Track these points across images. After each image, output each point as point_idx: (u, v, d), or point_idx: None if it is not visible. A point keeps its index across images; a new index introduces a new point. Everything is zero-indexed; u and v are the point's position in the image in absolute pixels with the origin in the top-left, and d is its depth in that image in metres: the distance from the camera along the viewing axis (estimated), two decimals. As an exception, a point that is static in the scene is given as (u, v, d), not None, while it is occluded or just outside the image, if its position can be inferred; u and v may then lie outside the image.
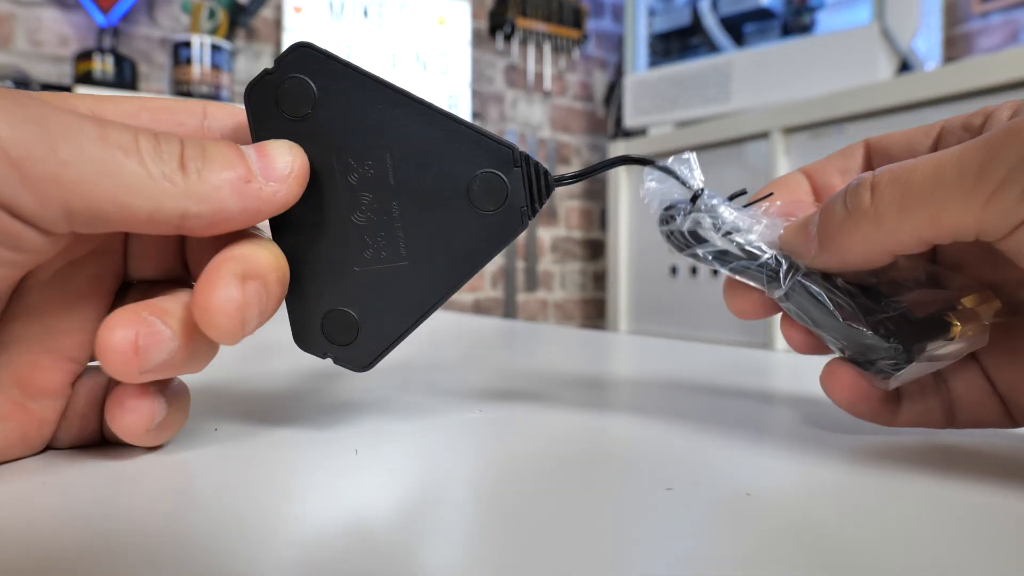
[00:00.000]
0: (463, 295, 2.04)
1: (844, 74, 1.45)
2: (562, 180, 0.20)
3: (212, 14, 1.55)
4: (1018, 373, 0.20)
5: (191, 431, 0.21)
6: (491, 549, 0.13)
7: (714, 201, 0.21)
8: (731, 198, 0.21)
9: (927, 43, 1.64)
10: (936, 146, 0.21)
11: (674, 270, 1.72)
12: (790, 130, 1.42)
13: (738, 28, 1.80)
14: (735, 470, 0.18)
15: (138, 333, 0.15)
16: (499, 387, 0.30)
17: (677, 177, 0.21)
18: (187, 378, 0.21)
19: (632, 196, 1.83)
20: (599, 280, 2.32)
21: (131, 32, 1.58)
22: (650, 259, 1.79)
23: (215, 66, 1.50)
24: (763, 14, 1.74)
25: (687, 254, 0.21)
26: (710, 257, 0.21)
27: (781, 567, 0.12)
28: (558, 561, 0.12)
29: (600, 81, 2.32)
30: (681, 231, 0.21)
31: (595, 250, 2.31)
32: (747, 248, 0.20)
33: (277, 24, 1.75)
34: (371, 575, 0.12)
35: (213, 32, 1.55)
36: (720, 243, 0.20)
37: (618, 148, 1.84)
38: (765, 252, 0.20)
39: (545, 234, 2.20)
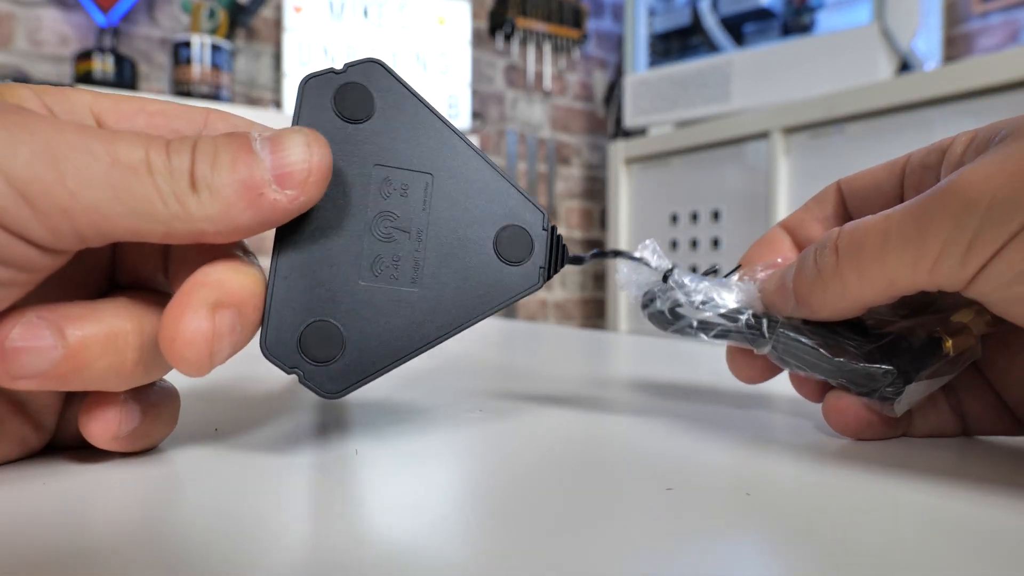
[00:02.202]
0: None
1: (844, 74, 1.45)
2: (576, 260, 0.21)
3: (212, 14, 1.55)
4: (1022, 386, 0.20)
5: (191, 431, 0.21)
6: (491, 549, 0.13)
7: (685, 279, 0.22)
8: (705, 274, 0.23)
9: (927, 43, 1.64)
10: (902, 186, 0.21)
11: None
12: (790, 130, 1.42)
13: (738, 28, 1.80)
14: (735, 470, 0.18)
15: (214, 323, 0.15)
16: (499, 387, 0.30)
17: (646, 264, 0.22)
18: (188, 378, 0.21)
19: (632, 196, 1.83)
20: (599, 280, 2.32)
21: (131, 32, 1.58)
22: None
23: (215, 66, 1.50)
24: (763, 14, 1.73)
25: (672, 331, 0.22)
26: (693, 329, 0.22)
27: (781, 567, 0.12)
28: (558, 561, 0.12)
29: (600, 81, 2.32)
30: (661, 311, 0.22)
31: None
32: (724, 313, 0.21)
33: (277, 24, 1.75)
34: None
35: (213, 32, 1.55)
36: (697, 315, 0.21)
37: (618, 148, 1.84)
38: (743, 313, 0.21)
39: (545, 234, 2.20)
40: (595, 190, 2.30)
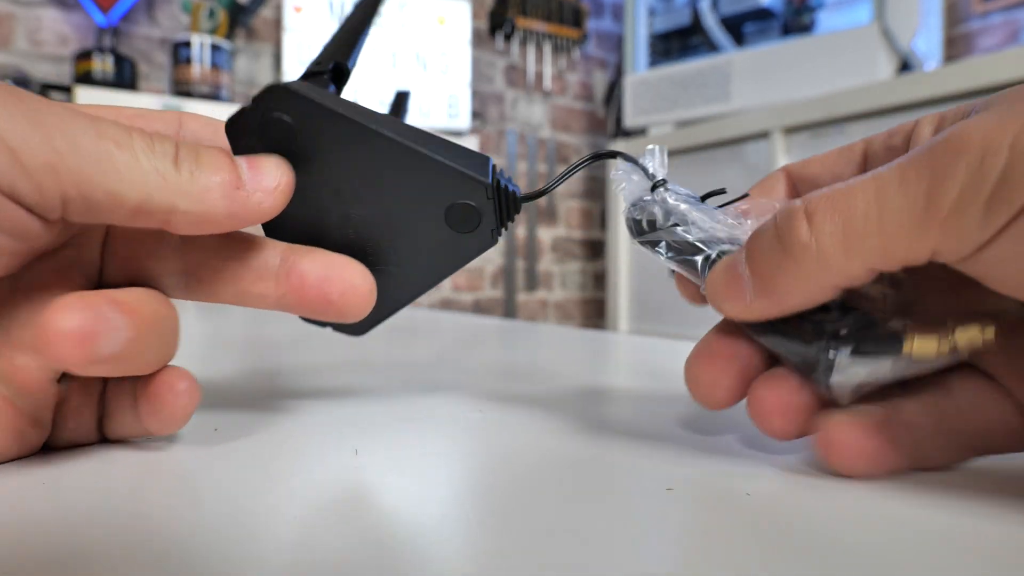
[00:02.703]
0: (463, 295, 2.04)
1: (844, 74, 1.45)
2: (528, 197, 0.21)
3: (212, 14, 1.55)
4: None
5: (191, 431, 0.21)
6: (491, 549, 0.13)
7: (670, 197, 0.20)
8: (706, 196, 0.21)
9: (927, 43, 1.64)
10: (861, 171, 0.19)
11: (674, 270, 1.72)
12: (790, 130, 1.42)
13: (738, 28, 1.80)
14: (735, 470, 0.18)
15: (89, 318, 0.15)
16: (499, 387, 0.30)
17: (643, 168, 0.21)
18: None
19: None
20: (599, 280, 2.32)
21: (131, 32, 1.58)
22: (650, 259, 1.78)
23: (215, 66, 1.50)
24: (763, 14, 1.74)
25: (639, 241, 0.21)
26: (657, 249, 0.20)
27: (781, 567, 0.12)
28: (558, 561, 0.12)
29: (600, 81, 2.32)
30: (637, 219, 0.21)
31: (595, 250, 2.31)
32: (690, 243, 0.20)
33: (277, 24, 1.75)
34: None
35: (213, 32, 1.55)
36: (664, 234, 0.20)
37: (618, 148, 1.84)
38: (711, 248, 0.19)
39: (545, 234, 2.20)
40: (595, 190, 2.30)
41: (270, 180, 0.18)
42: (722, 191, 0.21)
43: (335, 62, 0.21)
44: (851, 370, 0.17)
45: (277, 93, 0.18)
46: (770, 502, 0.16)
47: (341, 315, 0.19)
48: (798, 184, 0.21)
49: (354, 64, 0.21)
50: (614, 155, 0.21)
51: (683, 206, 0.20)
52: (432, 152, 0.19)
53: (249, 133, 0.18)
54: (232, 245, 0.19)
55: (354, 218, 0.20)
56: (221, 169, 0.17)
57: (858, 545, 0.13)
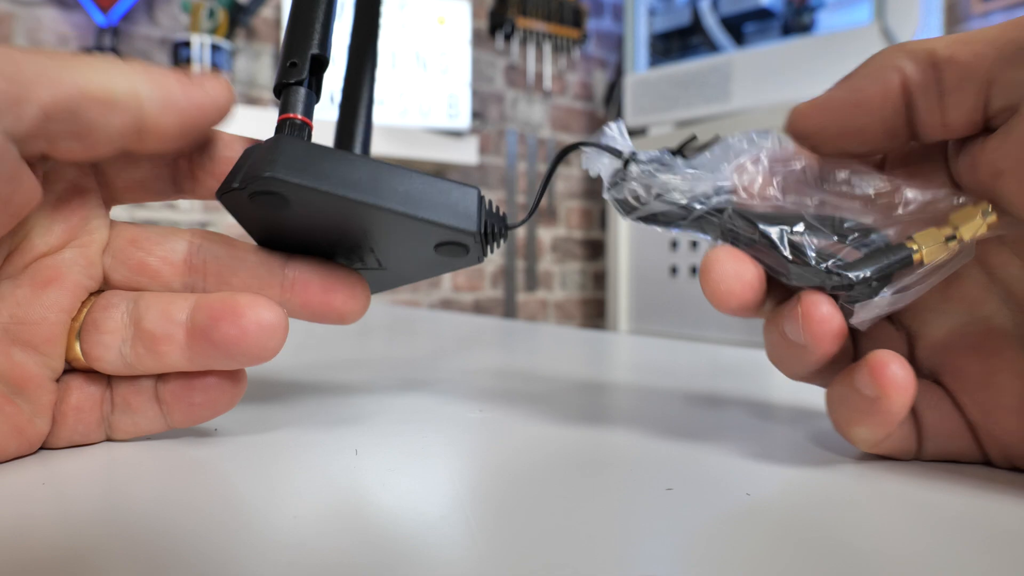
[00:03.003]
0: (463, 295, 2.04)
1: (844, 74, 1.44)
2: (516, 225, 0.22)
3: (212, 14, 1.55)
4: (993, 402, 0.18)
5: (191, 431, 0.21)
6: (491, 549, 0.13)
7: (635, 170, 0.20)
8: (679, 149, 0.21)
9: (927, 43, 1.64)
10: (906, 100, 0.19)
11: (674, 270, 1.72)
12: (790, 130, 1.42)
13: (738, 28, 1.80)
14: (735, 470, 0.18)
15: (280, 314, 0.18)
16: (499, 387, 0.30)
17: (608, 149, 0.21)
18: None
19: (632, 196, 1.83)
20: (599, 280, 2.32)
21: (131, 32, 1.58)
22: (650, 259, 1.79)
23: (215, 66, 1.50)
24: (763, 14, 1.73)
25: (633, 218, 0.21)
26: (650, 219, 0.20)
27: (781, 567, 0.12)
28: (558, 561, 0.12)
29: (600, 81, 2.32)
30: (623, 198, 0.20)
31: (595, 250, 2.31)
32: (681, 206, 0.19)
33: (277, 24, 1.75)
34: None
35: (213, 32, 1.55)
36: (655, 206, 0.20)
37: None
38: (700, 203, 0.19)
39: (545, 234, 2.20)
40: (595, 190, 2.30)
41: (216, 80, 0.19)
42: (693, 138, 0.21)
43: (312, 55, 0.21)
44: (874, 308, 0.18)
45: (262, 182, 0.18)
46: (770, 502, 0.16)
47: (341, 320, 0.21)
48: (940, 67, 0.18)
49: (329, 50, 0.21)
50: (577, 146, 0.21)
51: (659, 175, 0.20)
52: (421, 212, 0.19)
53: (241, 199, 0.19)
54: (236, 253, 0.20)
55: (347, 243, 0.21)
56: (170, 69, 0.18)
57: (858, 545, 0.13)
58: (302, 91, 0.20)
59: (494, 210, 0.21)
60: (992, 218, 0.17)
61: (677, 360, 0.41)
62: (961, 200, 0.18)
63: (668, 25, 1.92)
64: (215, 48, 1.50)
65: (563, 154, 0.22)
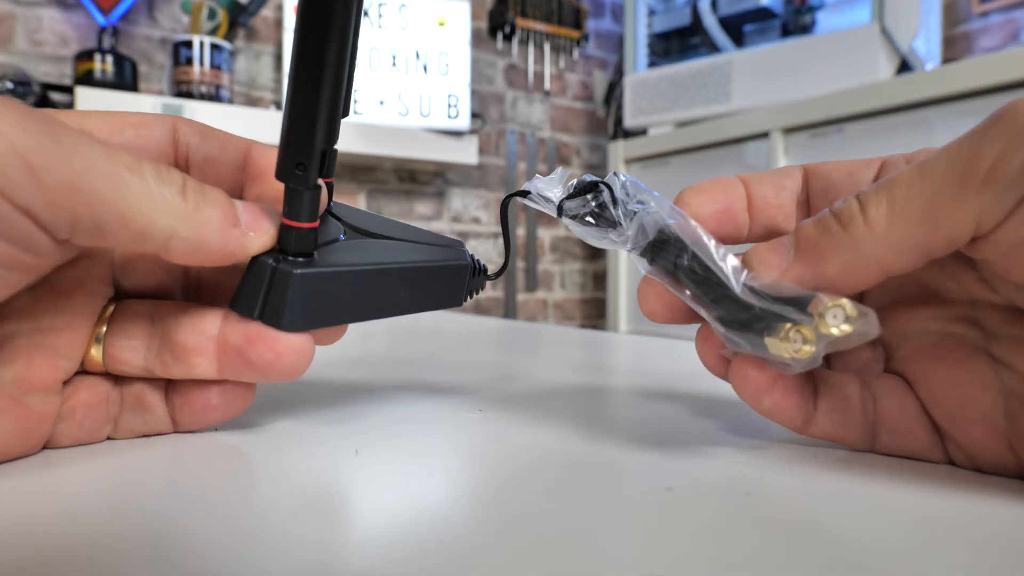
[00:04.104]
0: (463, 295, 2.04)
1: (844, 74, 1.45)
2: (494, 275, 0.25)
3: (212, 14, 1.55)
4: (959, 412, 0.18)
5: (191, 432, 0.21)
6: (491, 549, 0.13)
7: (570, 221, 0.21)
8: (574, 194, 0.21)
9: (927, 43, 1.64)
10: (877, 177, 0.20)
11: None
12: (790, 130, 1.42)
13: (738, 28, 1.80)
14: (735, 470, 0.18)
15: (308, 337, 0.20)
16: (499, 387, 0.30)
17: (543, 199, 0.22)
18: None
19: (632, 196, 1.83)
20: (599, 280, 2.32)
21: (131, 32, 1.58)
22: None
23: (215, 66, 1.50)
24: (763, 14, 1.73)
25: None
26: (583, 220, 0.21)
27: (781, 567, 0.12)
28: (558, 561, 0.12)
29: (600, 81, 2.32)
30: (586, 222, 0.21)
31: (595, 250, 2.31)
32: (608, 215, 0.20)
33: (277, 24, 1.75)
34: None
35: (213, 32, 1.55)
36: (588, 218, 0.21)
37: (618, 148, 1.84)
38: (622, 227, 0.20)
39: (545, 234, 2.20)
40: (595, 190, 2.30)
41: (265, 226, 0.19)
42: (593, 183, 0.21)
43: (322, 152, 0.18)
44: (739, 343, 0.18)
45: (280, 278, 0.19)
46: (770, 502, 0.16)
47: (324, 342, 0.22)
48: (811, 178, 0.21)
49: (338, 133, 0.18)
50: (522, 194, 0.23)
51: (586, 227, 0.21)
52: (419, 308, 0.22)
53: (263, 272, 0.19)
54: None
55: None
56: (221, 205, 0.18)
57: (858, 544, 0.13)
58: (307, 195, 0.18)
59: (479, 271, 0.24)
60: (853, 311, 0.17)
61: (677, 360, 0.41)
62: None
63: (668, 25, 1.92)
64: (215, 48, 1.50)
65: (506, 203, 0.23)
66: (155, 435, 0.20)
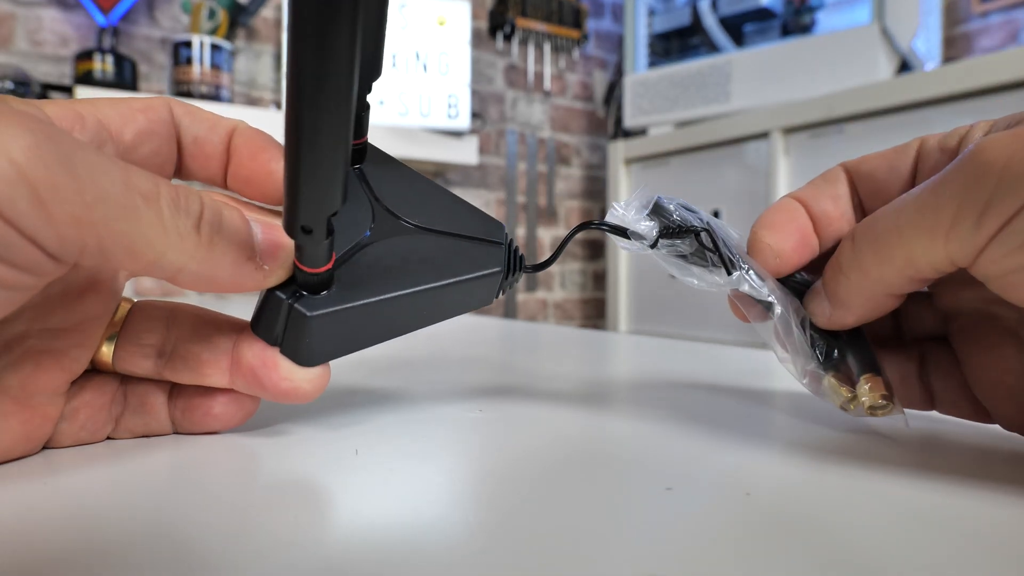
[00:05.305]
0: (463, 295, 2.04)
1: (844, 74, 1.45)
2: (534, 268, 0.24)
3: (212, 14, 1.55)
4: (992, 390, 0.21)
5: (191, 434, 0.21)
6: (491, 549, 0.13)
7: (665, 254, 0.23)
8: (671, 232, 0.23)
9: (927, 43, 1.64)
10: (916, 167, 0.21)
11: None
12: (790, 130, 1.42)
13: (738, 28, 1.80)
14: (735, 470, 0.18)
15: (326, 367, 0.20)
16: (499, 387, 0.30)
17: (634, 235, 0.23)
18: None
19: (632, 196, 1.83)
20: (599, 280, 2.32)
21: (131, 32, 1.58)
22: (650, 259, 1.78)
23: (215, 66, 1.50)
24: (763, 14, 1.73)
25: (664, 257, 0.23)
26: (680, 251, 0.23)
27: (781, 567, 0.12)
28: (558, 561, 0.12)
29: (600, 81, 2.32)
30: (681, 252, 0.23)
31: (595, 250, 2.31)
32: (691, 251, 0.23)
33: (277, 24, 1.75)
34: None
35: (213, 32, 1.55)
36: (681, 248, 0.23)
37: (618, 148, 1.84)
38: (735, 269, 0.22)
39: (545, 234, 2.20)
40: (595, 190, 2.30)
41: (279, 259, 0.18)
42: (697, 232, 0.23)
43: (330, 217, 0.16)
44: (820, 386, 0.22)
45: (296, 319, 0.18)
46: (770, 502, 0.16)
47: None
48: (856, 179, 0.23)
49: (348, 192, 0.16)
50: (596, 225, 0.23)
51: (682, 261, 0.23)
52: (444, 311, 0.21)
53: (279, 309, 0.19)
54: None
55: None
56: (237, 238, 0.17)
57: (858, 544, 0.13)
58: (319, 247, 0.17)
59: (515, 268, 0.23)
60: (878, 396, 0.21)
61: (676, 360, 0.41)
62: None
63: (668, 25, 1.92)
64: (215, 48, 1.50)
65: (576, 231, 0.23)
66: (152, 435, 0.20)
